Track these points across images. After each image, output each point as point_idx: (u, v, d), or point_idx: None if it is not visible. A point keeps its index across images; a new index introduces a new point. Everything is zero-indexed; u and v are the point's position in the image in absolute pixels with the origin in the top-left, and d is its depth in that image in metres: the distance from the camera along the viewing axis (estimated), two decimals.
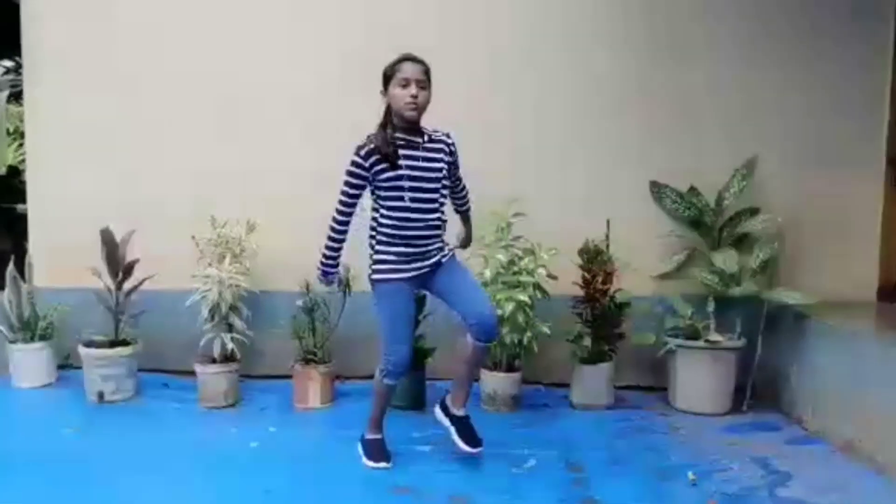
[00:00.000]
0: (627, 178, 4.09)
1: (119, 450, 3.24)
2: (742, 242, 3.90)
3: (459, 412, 3.09)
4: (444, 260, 2.99)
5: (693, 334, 3.78)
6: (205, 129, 4.23)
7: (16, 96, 6.45)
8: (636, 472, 3.04)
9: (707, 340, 3.71)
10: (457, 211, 3.27)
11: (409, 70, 2.83)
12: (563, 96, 4.10)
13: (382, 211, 2.91)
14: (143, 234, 3.99)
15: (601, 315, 3.79)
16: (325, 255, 3.01)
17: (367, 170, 2.86)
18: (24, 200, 4.56)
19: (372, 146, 2.85)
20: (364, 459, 3.07)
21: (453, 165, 3.03)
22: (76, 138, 4.29)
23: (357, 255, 3.86)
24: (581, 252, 3.82)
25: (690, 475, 2.98)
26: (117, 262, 3.88)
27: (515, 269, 3.67)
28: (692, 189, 4.00)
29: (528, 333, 3.66)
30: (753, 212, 3.92)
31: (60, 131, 4.31)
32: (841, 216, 4.04)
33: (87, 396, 3.85)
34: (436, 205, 2.93)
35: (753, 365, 3.79)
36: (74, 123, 4.29)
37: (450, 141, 2.98)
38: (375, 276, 2.95)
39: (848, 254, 4.06)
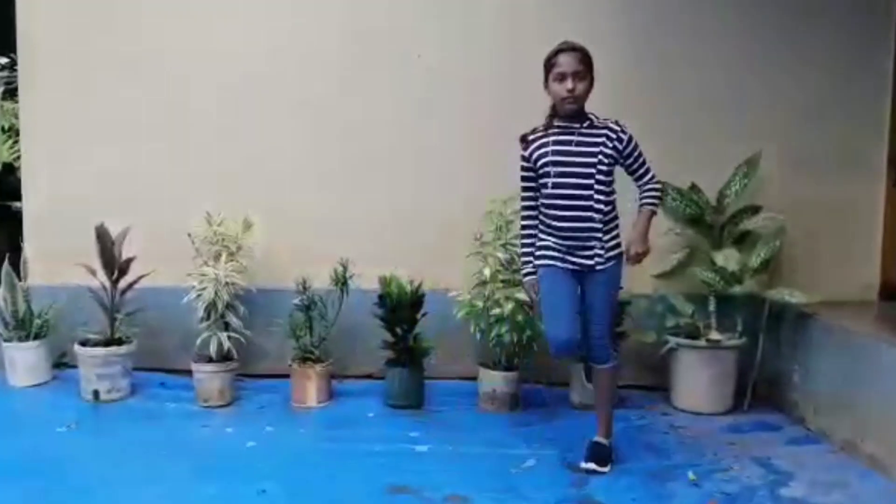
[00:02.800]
0: (627, 176, 4.05)
1: (114, 449, 3.21)
2: (743, 241, 3.88)
3: (595, 438, 3.06)
4: (598, 267, 2.89)
5: (694, 333, 3.76)
6: (202, 127, 4.20)
7: (11, 93, 6.43)
8: (636, 471, 3.01)
9: (708, 339, 3.69)
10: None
11: (564, 63, 2.79)
12: None
13: (541, 199, 2.94)
14: (138, 232, 3.95)
15: None
16: (521, 255, 3.11)
17: (528, 159, 2.91)
18: (19, 198, 4.52)
19: (528, 136, 2.91)
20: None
21: (623, 155, 2.87)
22: (71, 135, 4.26)
23: (357, 250, 3.90)
24: None
25: (691, 475, 2.97)
26: (113, 260, 3.85)
27: (515, 267, 3.64)
28: (693, 187, 3.97)
29: (528, 332, 3.64)
30: (755, 210, 3.89)
31: (56, 128, 4.27)
32: (842, 215, 4.02)
33: (82, 395, 3.82)
34: (587, 192, 2.83)
35: (755, 364, 3.78)
36: (70, 120, 4.25)
37: (616, 128, 2.86)
38: (536, 262, 2.99)
39: (849, 253, 4.04)
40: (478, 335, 3.72)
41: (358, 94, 4.15)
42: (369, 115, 4.15)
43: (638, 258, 2.88)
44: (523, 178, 2.97)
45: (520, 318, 3.58)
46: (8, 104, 6.78)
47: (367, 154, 4.18)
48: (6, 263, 4.05)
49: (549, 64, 2.83)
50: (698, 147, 4.03)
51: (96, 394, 3.78)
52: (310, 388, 3.77)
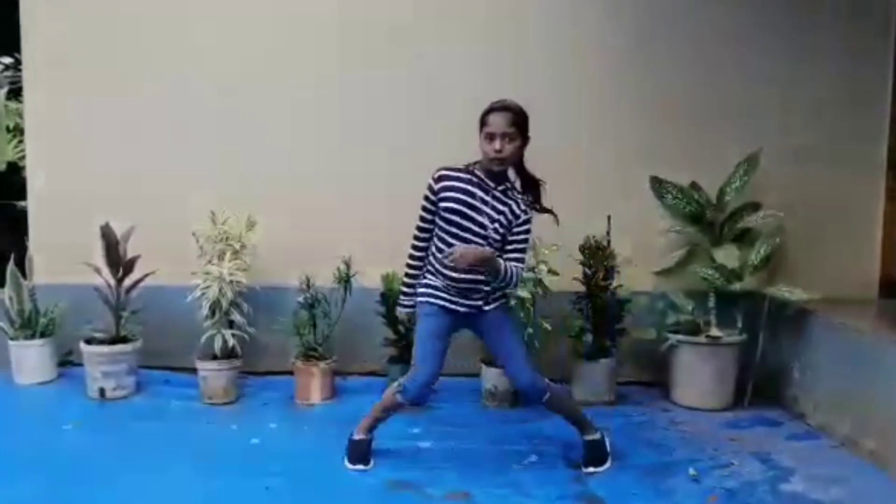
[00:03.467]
0: (628, 174, 4.08)
1: (120, 446, 3.24)
2: (743, 238, 3.89)
3: (585, 436, 3.05)
4: (486, 308, 2.87)
5: (694, 330, 3.78)
6: (205, 126, 4.22)
7: (15, 93, 6.44)
8: (637, 467, 3.04)
9: (708, 336, 3.71)
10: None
11: (494, 124, 2.73)
12: (563, 93, 4.08)
13: (435, 240, 2.86)
14: (143, 231, 3.97)
15: (602, 311, 3.78)
16: (402, 285, 3.00)
17: (435, 192, 2.81)
18: (24, 197, 4.55)
19: (443, 171, 2.82)
20: (345, 460, 3.04)
21: (511, 230, 2.80)
22: (76, 134, 4.28)
23: (360, 248, 3.92)
24: (582, 248, 3.82)
25: (692, 471, 2.99)
26: (118, 259, 3.87)
27: None
28: (693, 184, 3.99)
29: (530, 329, 3.66)
30: (755, 207, 3.91)
31: (60, 127, 4.30)
32: (842, 212, 4.04)
33: (88, 393, 3.85)
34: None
35: (755, 360, 3.79)
36: (74, 119, 4.28)
37: (522, 207, 2.81)
38: (419, 299, 2.91)
39: (849, 250, 4.06)
40: None
41: (359, 93, 4.17)
42: (371, 115, 4.17)
43: (454, 259, 2.68)
44: (424, 209, 2.85)
45: (522, 315, 3.60)
46: (12, 104, 6.79)
47: (370, 152, 4.20)
48: (11, 262, 4.08)
49: (482, 122, 2.76)
50: (699, 145, 4.05)
51: (102, 391, 3.81)
52: (313, 386, 3.80)
